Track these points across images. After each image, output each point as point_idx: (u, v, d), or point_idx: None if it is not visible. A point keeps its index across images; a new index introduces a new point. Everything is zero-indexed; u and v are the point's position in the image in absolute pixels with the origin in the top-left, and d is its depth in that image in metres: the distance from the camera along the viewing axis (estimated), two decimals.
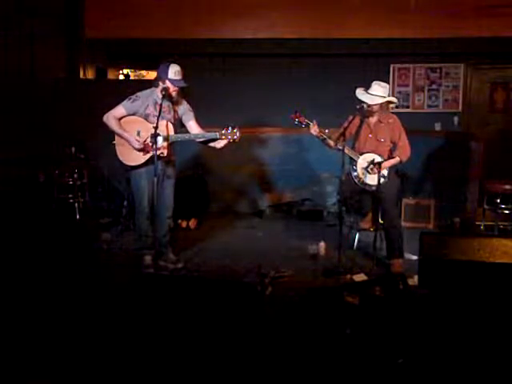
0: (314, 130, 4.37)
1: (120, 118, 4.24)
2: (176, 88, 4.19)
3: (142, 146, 4.16)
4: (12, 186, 5.65)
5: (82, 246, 5.07)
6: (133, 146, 4.18)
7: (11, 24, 5.87)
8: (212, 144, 4.26)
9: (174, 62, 4.23)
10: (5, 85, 5.70)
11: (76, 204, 5.99)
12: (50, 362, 2.76)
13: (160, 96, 4.15)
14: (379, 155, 4.41)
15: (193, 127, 4.34)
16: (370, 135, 4.51)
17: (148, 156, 4.18)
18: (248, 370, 2.64)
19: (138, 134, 4.20)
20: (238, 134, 4.05)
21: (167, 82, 4.16)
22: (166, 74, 4.15)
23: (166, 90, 4.12)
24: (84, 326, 3.13)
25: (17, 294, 3.62)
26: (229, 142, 4.08)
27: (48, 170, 5.95)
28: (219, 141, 4.14)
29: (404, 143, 4.49)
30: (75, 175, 6.01)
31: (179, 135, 4.22)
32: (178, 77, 4.18)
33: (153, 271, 4.23)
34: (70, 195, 5.99)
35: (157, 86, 4.24)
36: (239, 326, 2.81)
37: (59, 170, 5.96)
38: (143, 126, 4.20)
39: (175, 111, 4.31)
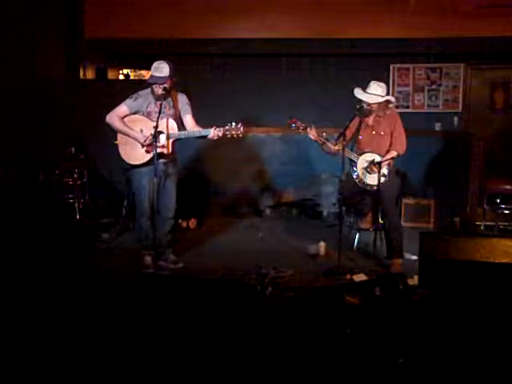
0: (312, 134, 4.39)
1: (123, 117, 4.24)
2: (159, 84, 4.13)
3: (149, 143, 4.14)
4: (12, 186, 5.65)
5: (82, 245, 5.07)
6: (141, 144, 4.18)
7: (11, 24, 5.87)
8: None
9: (160, 58, 4.21)
10: (5, 85, 5.70)
11: (76, 204, 5.99)
12: (50, 362, 2.76)
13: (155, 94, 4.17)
14: (379, 155, 4.41)
15: (189, 122, 4.31)
16: (373, 132, 4.50)
17: (151, 155, 4.17)
18: (248, 370, 2.64)
19: (141, 132, 4.21)
20: (241, 129, 4.06)
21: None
22: (151, 70, 4.17)
23: (164, 88, 4.13)
24: (84, 326, 3.13)
25: (16, 294, 3.62)
26: (232, 137, 4.09)
27: (48, 169, 5.95)
28: (212, 132, 4.10)
29: (399, 133, 4.46)
30: (75, 175, 6.00)
31: (181, 132, 4.21)
32: (157, 73, 4.12)
33: (153, 271, 4.23)
34: (70, 195, 5.99)
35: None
36: (239, 326, 2.81)
37: (59, 170, 5.96)
38: (145, 124, 4.20)
39: (175, 107, 4.29)
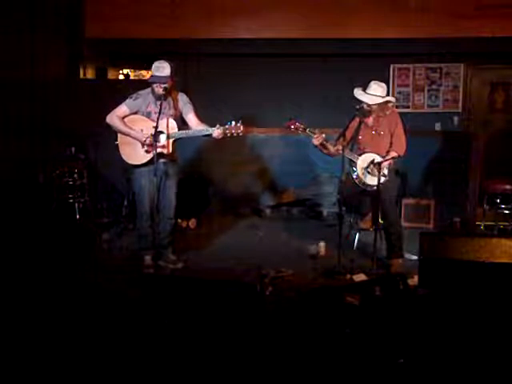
0: (317, 140, 4.35)
1: (123, 117, 4.24)
2: (159, 84, 4.13)
3: (150, 142, 4.13)
4: (12, 186, 5.65)
5: (82, 246, 5.07)
6: (141, 143, 4.18)
7: (11, 24, 5.87)
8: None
9: (160, 58, 4.21)
10: (5, 84, 5.70)
11: (76, 204, 5.99)
12: (50, 362, 2.76)
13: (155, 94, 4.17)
14: (379, 155, 4.41)
15: (192, 120, 4.29)
16: (373, 132, 4.49)
17: (152, 155, 4.16)
18: (248, 370, 2.64)
19: (142, 132, 4.21)
20: (241, 128, 4.05)
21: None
22: (151, 70, 4.17)
23: (164, 88, 4.12)
24: (84, 326, 3.13)
25: (17, 293, 3.62)
26: (232, 135, 4.08)
27: (48, 169, 5.95)
28: (217, 131, 4.08)
29: (399, 134, 4.45)
30: (75, 175, 6.00)
31: (182, 132, 4.20)
32: (158, 72, 4.12)
33: (153, 271, 4.23)
34: (70, 195, 5.98)
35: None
36: (239, 326, 2.81)
37: (59, 170, 5.96)
38: (145, 124, 4.20)
39: (175, 107, 4.29)
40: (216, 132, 4.06)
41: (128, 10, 6.60)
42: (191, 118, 4.30)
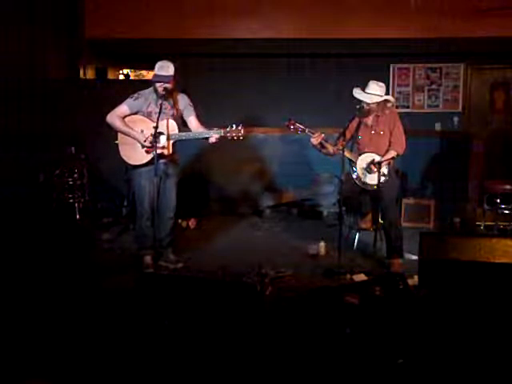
0: (316, 139, 4.35)
1: (124, 117, 4.24)
2: (162, 83, 4.14)
3: (150, 143, 4.14)
4: (12, 186, 5.65)
5: (82, 245, 5.07)
6: (141, 144, 4.17)
7: (11, 24, 5.87)
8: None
9: (167, 58, 4.22)
10: (4, 84, 5.70)
11: (76, 204, 5.99)
12: (50, 362, 2.76)
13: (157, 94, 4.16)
14: (378, 154, 4.41)
15: (193, 123, 4.30)
16: (373, 132, 4.49)
17: (151, 155, 4.16)
18: (248, 370, 2.64)
19: (142, 133, 4.21)
20: (242, 131, 4.06)
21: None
22: (155, 69, 4.17)
23: (165, 88, 4.12)
24: (84, 326, 3.13)
25: (17, 294, 3.62)
26: (233, 139, 4.08)
27: (48, 169, 5.95)
28: (216, 134, 4.09)
29: (399, 133, 4.45)
30: (75, 175, 6.00)
31: (183, 134, 4.21)
32: (162, 72, 4.12)
33: (153, 271, 4.23)
34: (70, 195, 5.98)
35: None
36: (239, 326, 2.81)
37: (59, 170, 5.96)
38: (146, 124, 4.20)
39: (176, 108, 4.29)
40: (215, 136, 4.07)
41: (128, 10, 6.60)
42: (192, 121, 4.31)
